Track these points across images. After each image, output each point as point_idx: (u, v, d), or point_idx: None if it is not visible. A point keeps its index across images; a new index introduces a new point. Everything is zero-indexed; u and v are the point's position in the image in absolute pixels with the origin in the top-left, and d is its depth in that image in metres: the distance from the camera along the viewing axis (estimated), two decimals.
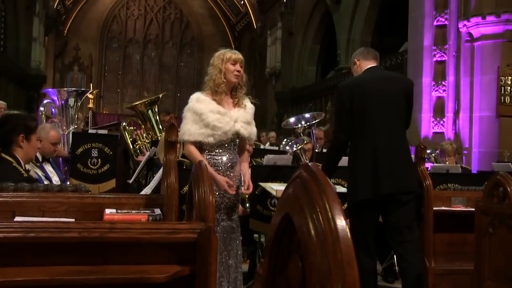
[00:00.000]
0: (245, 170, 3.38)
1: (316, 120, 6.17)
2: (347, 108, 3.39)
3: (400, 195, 3.31)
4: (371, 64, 3.54)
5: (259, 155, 5.50)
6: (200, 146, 3.25)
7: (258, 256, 4.42)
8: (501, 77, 7.57)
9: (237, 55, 3.29)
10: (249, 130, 3.30)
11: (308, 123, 6.10)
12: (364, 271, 3.25)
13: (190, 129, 3.19)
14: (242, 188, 3.30)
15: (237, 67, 3.25)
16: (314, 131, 6.16)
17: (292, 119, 6.42)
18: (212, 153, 3.22)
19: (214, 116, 3.18)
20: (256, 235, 4.56)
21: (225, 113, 3.21)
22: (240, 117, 3.25)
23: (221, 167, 3.21)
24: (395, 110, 3.41)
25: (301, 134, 6.06)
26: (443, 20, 8.20)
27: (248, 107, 3.34)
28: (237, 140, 3.28)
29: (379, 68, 3.63)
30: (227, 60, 3.24)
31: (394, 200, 3.31)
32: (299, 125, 6.12)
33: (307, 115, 6.28)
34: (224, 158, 3.23)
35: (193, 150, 3.22)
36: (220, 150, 3.23)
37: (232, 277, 3.20)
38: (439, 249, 3.80)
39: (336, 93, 3.59)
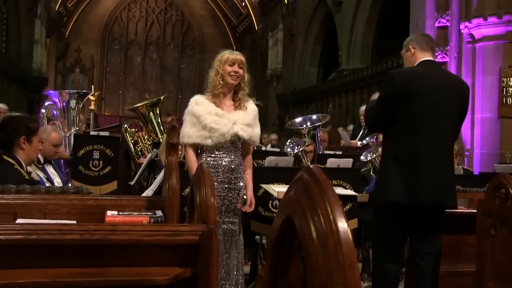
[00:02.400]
0: (248, 182, 3.33)
1: (321, 122, 6.18)
2: (394, 99, 3.03)
3: (438, 207, 3.08)
4: (427, 57, 3.15)
5: (260, 156, 5.50)
6: (201, 148, 3.25)
7: (260, 258, 4.42)
8: (503, 78, 7.55)
9: (234, 55, 3.25)
10: (250, 132, 3.26)
11: (313, 125, 6.11)
12: (387, 281, 3.06)
13: (189, 132, 3.19)
14: (244, 207, 3.29)
15: (235, 68, 3.21)
16: (319, 133, 6.16)
17: (298, 120, 6.42)
18: (212, 155, 3.21)
19: (212, 118, 3.17)
20: (257, 237, 4.56)
21: (222, 115, 3.19)
22: (239, 119, 3.23)
23: (221, 169, 3.20)
24: (448, 115, 3.06)
25: (306, 135, 6.06)
26: (445, 21, 8.18)
27: (250, 109, 3.31)
28: (238, 142, 3.26)
29: (437, 64, 3.23)
30: (225, 62, 3.22)
31: (431, 209, 3.05)
32: (304, 126, 6.12)
33: (314, 117, 6.29)
34: (224, 161, 3.21)
35: (191, 156, 3.21)
36: (220, 152, 3.21)
37: (234, 279, 3.19)
38: None
39: (386, 79, 3.14)
